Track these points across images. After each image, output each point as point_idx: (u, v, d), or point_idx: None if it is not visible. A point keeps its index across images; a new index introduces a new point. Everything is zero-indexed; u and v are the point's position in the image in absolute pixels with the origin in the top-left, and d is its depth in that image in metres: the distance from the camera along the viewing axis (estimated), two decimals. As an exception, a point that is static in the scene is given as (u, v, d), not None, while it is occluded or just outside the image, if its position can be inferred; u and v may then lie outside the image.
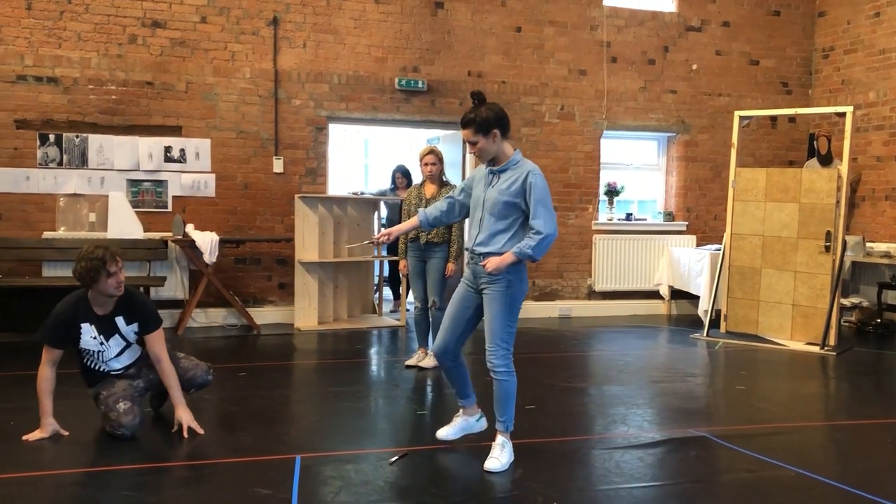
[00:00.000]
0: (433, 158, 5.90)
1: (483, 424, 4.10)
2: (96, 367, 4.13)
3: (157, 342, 4.12)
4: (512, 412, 3.79)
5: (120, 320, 4.07)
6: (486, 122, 3.66)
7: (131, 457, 3.80)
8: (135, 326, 4.11)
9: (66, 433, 4.01)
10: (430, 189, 5.93)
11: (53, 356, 3.97)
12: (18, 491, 3.31)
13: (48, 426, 3.97)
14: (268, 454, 3.82)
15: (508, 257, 3.63)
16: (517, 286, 3.74)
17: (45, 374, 3.95)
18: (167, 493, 3.34)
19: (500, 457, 3.69)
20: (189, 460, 3.79)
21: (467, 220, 3.94)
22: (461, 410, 4.09)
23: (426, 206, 5.44)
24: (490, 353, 3.76)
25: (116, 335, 4.09)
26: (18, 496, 3.25)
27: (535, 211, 3.63)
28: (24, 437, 3.93)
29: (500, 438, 3.78)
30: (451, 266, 5.84)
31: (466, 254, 3.89)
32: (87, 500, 3.23)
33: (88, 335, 4.01)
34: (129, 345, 4.16)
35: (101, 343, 4.05)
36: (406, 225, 4.16)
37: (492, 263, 3.64)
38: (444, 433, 4.05)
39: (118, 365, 4.16)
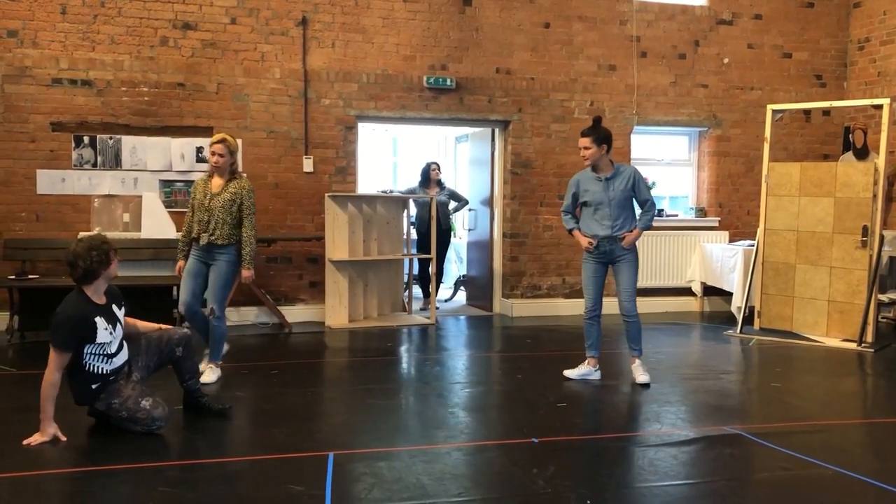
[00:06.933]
0: (222, 149, 5.19)
1: (598, 376, 5.43)
2: (95, 370, 4.04)
3: (142, 323, 4.45)
4: (642, 342, 5.40)
5: (115, 308, 4.18)
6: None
7: (166, 454, 3.86)
8: (122, 311, 4.26)
9: (64, 438, 3.91)
10: (216, 184, 5.25)
11: (64, 360, 3.93)
12: (59, 487, 3.37)
13: (49, 430, 3.90)
14: (301, 451, 3.85)
15: (638, 232, 5.25)
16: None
17: (54, 380, 3.89)
18: (202, 489, 3.37)
19: (645, 372, 5.28)
20: (223, 457, 3.83)
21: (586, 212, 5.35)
22: (588, 361, 5.45)
23: (210, 202, 5.18)
24: (628, 303, 5.29)
25: (118, 324, 4.16)
26: (58, 492, 3.31)
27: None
28: (25, 442, 3.85)
29: (638, 361, 5.35)
30: (245, 273, 5.24)
31: (593, 236, 5.27)
32: (124, 497, 3.28)
33: (102, 327, 4.03)
34: (124, 335, 4.22)
35: (111, 333, 4.08)
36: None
37: (629, 240, 5.22)
38: (569, 372, 5.44)
39: (119, 362, 4.15)
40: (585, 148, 5.21)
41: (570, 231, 5.47)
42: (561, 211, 5.54)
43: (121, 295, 4.34)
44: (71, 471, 3.56)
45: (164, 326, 4.46)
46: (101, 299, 4.10)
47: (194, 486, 3.39)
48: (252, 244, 5.24)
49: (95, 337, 4.00)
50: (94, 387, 4.06)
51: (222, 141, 5.20)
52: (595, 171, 5.28)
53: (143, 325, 4.46)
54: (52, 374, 3.91)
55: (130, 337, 4.33)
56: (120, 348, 4.17)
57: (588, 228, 5.33)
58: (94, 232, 4.18)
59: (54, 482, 3.42)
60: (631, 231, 5.25)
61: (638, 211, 5.41)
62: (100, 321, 4.02)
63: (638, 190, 5.28)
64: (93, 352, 4.02)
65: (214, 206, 5.16)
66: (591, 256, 5.35)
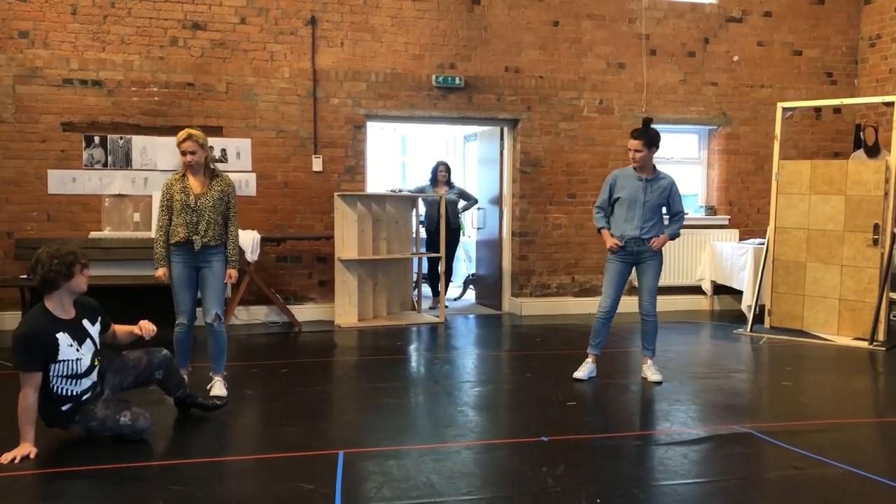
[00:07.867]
0: (192, 145, 4.79)
1: (595, 372, 5.44)
2: (63, 392, 3.82)
3: (118, 327, 4.18)
4: (655, 343, 5.47)
5: (86, 323, 3.94)
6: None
7: (175, 452, 3.88)
8: (98, 326, 4.02)
9: (33, 456, 3.70)
10: (195, 184, 4.86)
11: (35, 381, 3.71)
12: (67, 485, 3.39)
13: (23, 450, 3.68)
14: (310, 449, 3.86)
15: (666, 238, 5.29)
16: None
17: (30, 402, 3.70)
18: (213, 487, 3.39)
19: (657, 371, 5.36)
20: (233, 455, 3.84)
21: (621, 213, 5.32)
22: (590, 358, 5.46)
23: (195, 203, 4.79)
24: (648, 303, 5.38)
25: (88, 340, 3.91)
26: (67, 490, 3.33)
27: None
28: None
29: (650, 362, 5.42)
30: (233, 272, 4.98)
31: (620, 236, 5.27)
32: (134, 495, 3.29)
33: (65, 343, 3.78)
34: (96, 352, 3.96)
35: (77, 349, 3.83)
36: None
37: (658, 243, 5.25)
38: (578, 374, 5.38)
39: (89, 382, 3.91)
40: (636, 150, 5.19)
41: (599, 230, 5.46)
42: (594, 206, 5.51)
43: (98, 309, 4.07)
44: (80, 469, 3.57)
45: (135, 330, 4.14)
46: (66, 314, 3.86)
47: (204, 485, 3.40)
48: (238, 244, 5.05)
49: (58, 354, 3.75)
50: (64, 409, 3.86)
51: (189, 137, 4.77)
52: (636, 171, 5.28)
53: (120, 331, 4.19)
54: (27, 396, 3.70)
55: (107, 350, 4.12)
56: (91, 367, 3.91)
57: (617, 228, 5.33)
58: (50, 247, 3.84)
59: (62, 480, 3.44)
60: (658, 236, 5.28)
61: (666, 220, 5.44)
62: (62, 337, 3.78)
63: (672, 200, 5.33)
64: (59, 373, 3.79)
65: (203, 206, 4.80)
66: (616, 256, 5.36)
